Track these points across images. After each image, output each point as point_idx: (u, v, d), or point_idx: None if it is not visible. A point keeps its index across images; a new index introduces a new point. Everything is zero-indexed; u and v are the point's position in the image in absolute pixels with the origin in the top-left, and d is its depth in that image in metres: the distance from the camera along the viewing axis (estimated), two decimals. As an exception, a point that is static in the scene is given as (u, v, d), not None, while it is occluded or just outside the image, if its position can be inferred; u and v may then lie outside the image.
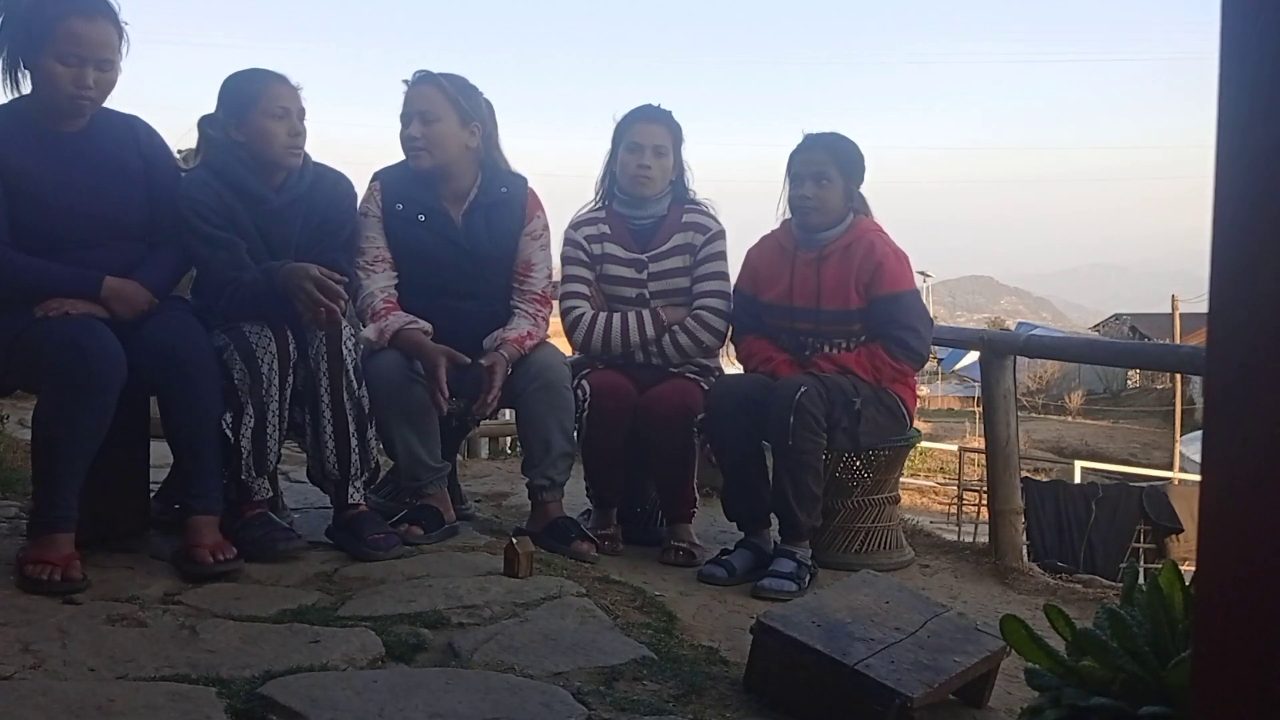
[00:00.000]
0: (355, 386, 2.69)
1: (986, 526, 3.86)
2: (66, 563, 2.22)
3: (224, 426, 2.51)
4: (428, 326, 2.91)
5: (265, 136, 2.68)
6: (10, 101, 2.46)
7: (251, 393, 2.54)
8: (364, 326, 2.87)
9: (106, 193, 2.48)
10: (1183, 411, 23.15)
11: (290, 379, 2.63)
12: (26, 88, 2.43)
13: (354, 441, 2.70)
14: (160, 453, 2.69)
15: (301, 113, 2.73)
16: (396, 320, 2.90)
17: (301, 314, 2.57)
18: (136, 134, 2.58)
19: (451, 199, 3.05)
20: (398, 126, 3.03)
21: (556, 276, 3.36)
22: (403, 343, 2.87)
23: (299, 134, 2.72)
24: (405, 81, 3.03)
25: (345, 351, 2.66)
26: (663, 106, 3.29)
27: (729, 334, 3.31)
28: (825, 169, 3.07)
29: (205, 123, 2.76)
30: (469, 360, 2.87)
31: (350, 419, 2.68)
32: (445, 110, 2.97)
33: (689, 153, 3.33)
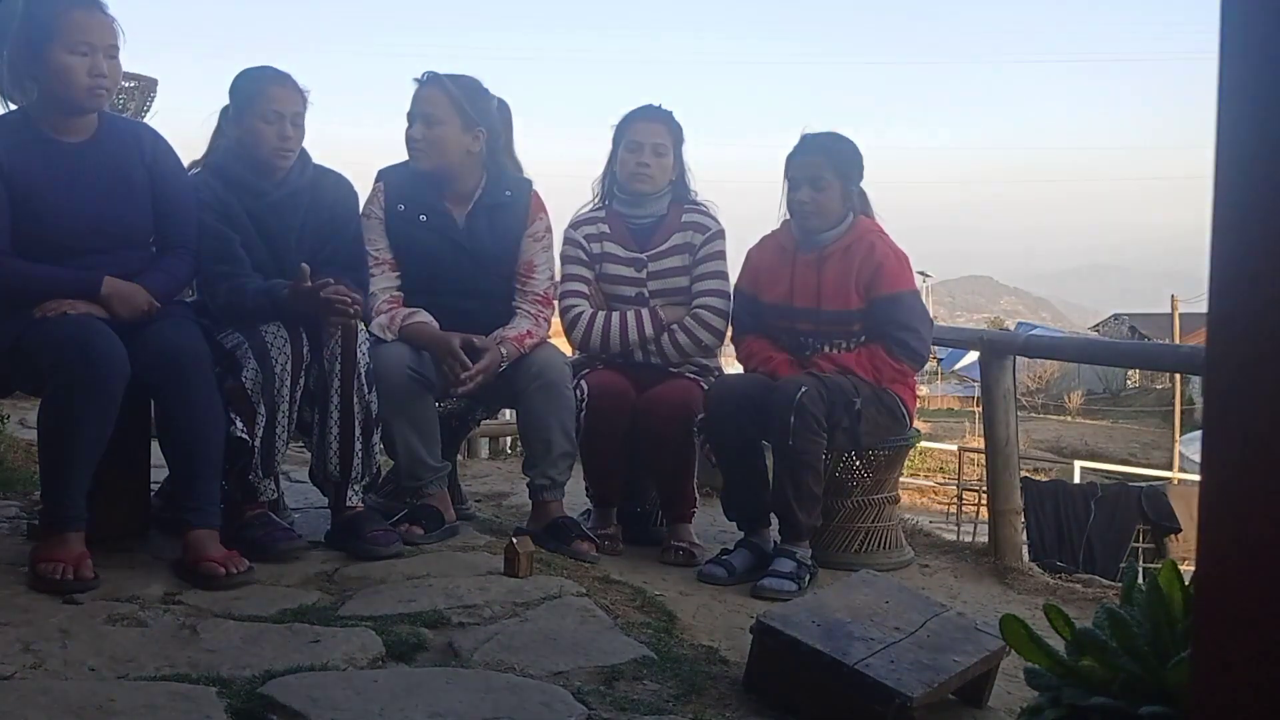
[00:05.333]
0: (366, 390, 2.71)
1: (986, 526, 3.86)
2: (78, 561, 2.23)
3: (237, 431, 2.52)
4: (432, 320, 2.93)
5: (255, 136, 2.72)
6: (14, 110, 2.47)
7: (264, 392, 2.55)
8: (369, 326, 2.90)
9: (110, 201, 2.48)
10: (1182, 411, 23.15)
11: (302, 379, 2.64)
12: (32, 98, 2.44)
13: (358, 445, 2.71)
14: (160, 452, 2.69)
15: (296, 116, 2.74)
16: (403, 312, 2.93)
17: (321, 320, 2.61)
18: (141, 142, 2.59)
19: (455, 200, 3.06)
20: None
21: (558, 278, 3.37)
22: (412, 334, 2.90)
23: (288, 138, 2.73)
24: (416, 80, 3.04)
25: (360, 355, 2.68)
26: (664, 107, 3.30)
27: (728, 333, 3.31)
28: (821, 172, 3.07)
29: (223, 114, 2.85)
30: (473, 337, 2.90)
31: (357, 422, 2.70)
32: (449, 114, 2.98)
33: (690, 153, 3.34)
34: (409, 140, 3.02)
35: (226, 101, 2.83)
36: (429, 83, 3.02)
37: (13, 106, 2.49)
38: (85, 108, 2.45)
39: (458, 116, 2.99)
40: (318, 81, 2.86)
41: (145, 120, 6.97)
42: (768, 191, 3.31)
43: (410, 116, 3.02)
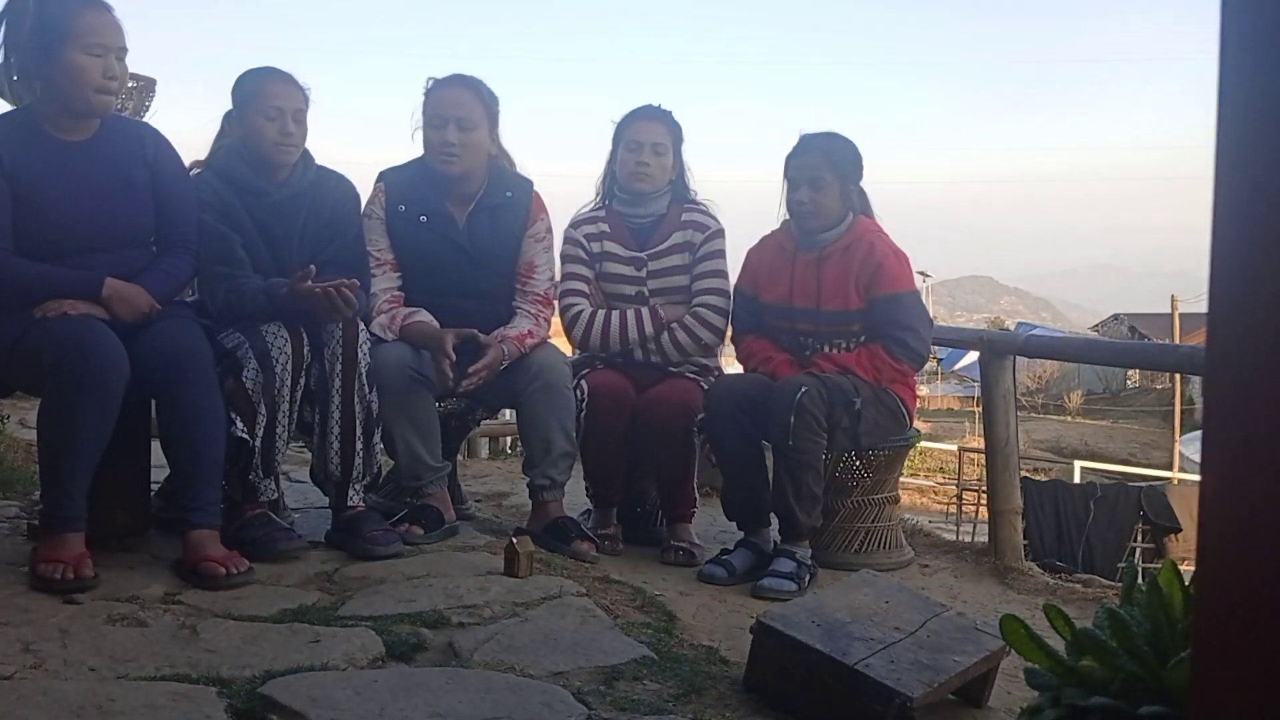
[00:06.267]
0: (367, 390, 2.72)
1: (986, 526, 3.86)
2: (78, 561, 2.23)
3: (238, 431, 2.52)
4: (432, 319, 2.92)
5: (257, 134, 2.73)
6: (17, 109, 2.47)
7: (264, 393, 2.56)
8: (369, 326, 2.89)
9: (112, 200, 2.48)
10: (1182, 411, 23.16)
11: (302, 380, 2.65)
12: (33, 96, 2.44)
13: (359, 444, 2.72)
14: (161, 452, 2.69)
15: (298, 113, 2.76)
16: (403, 312, 2.93)
17: (319, 315, 2.60)
18: (143, 142, 2.59)
19: (458, 201, 3.05)
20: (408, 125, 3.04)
21: (558, 278, 3.37)
22: (411, 333, 2.89)
23: (289, 134, 2.74)
24: (432, 79, 3.02)
25: (360, 355, 2.68)
26: (663, 107, 3.30)
27: (728, 332, 3.31)
28: (820, 173, 3.07)
29: (226, 118, 2.85)
30: (474, 331, 2.88)
31: (358, 421, 2.70)
32: (481, 118, 2.98)
33: (689, 153, 3.34)
34: (442, 145, 2.96)
35: (228, 106, 2.83)
36: (459, 85, 2.99)
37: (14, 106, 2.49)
38: (94, 110, 2.44)
39: (487, 120, 2.98)
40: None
41: (144, 120, 7.00)
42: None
43: (438, 119, 2.97)
